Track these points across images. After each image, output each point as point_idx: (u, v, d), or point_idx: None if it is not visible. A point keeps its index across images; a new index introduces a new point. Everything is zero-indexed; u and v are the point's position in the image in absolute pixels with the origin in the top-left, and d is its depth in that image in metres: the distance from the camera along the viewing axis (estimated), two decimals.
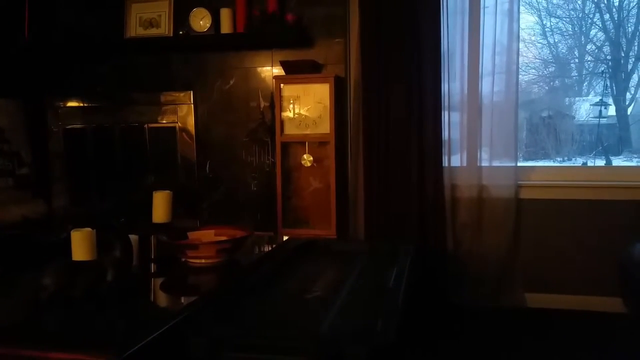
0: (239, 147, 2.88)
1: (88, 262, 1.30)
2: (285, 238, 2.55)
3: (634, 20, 3.55)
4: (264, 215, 2.73)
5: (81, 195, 2.93)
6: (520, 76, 3.45)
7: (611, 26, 3.60)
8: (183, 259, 1.71)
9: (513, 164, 2.65)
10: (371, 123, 2.62)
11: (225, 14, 2.67)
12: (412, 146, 2.63)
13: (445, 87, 2.65)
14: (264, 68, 2.85)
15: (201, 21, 2.68)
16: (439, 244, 2.58)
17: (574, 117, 3.60)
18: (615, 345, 2.16)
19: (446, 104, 2.63)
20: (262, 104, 2.83)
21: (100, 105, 2.96)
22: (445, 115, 2.64)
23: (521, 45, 3.32)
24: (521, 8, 2.95)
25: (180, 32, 2.68)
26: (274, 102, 2.66)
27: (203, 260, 1.69)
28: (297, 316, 1.38)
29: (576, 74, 3.76)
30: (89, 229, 1.32)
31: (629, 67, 3.56)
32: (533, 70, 3.72)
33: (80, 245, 1.28)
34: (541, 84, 3.75)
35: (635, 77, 3.61)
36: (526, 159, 3.55)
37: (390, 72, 2.61)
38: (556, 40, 3.76)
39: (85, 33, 2.74)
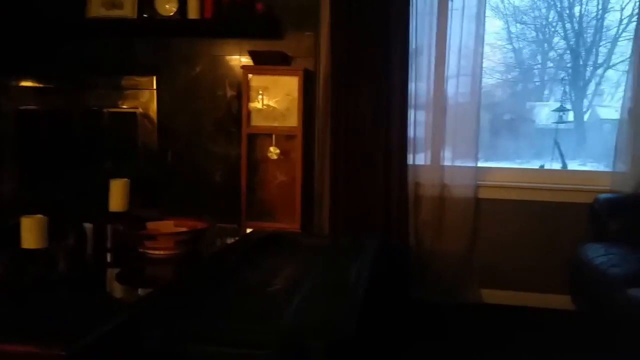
0: (204, 136, 2.83)
1: (38, 251, 1.24)
2: (248, 230, 2.54)
3: (592, 31, 3.71)
4: (227, 207, 2.69)
5: (33, 181, 2.80)
6: (484, 79, 3.51)
7: (572, 35, 3.74)
8: (141, 250, 1.66)
9: (474, 165, 2.71)
10: (339, 118, 2.62)
11: None
12: (379, 143, 2.65)
13: (412, 86, 2.67)
14: (232, 57, 2.80)
15: (167, 5, 2.60)
16: (402, 240, 2.62)
17: (534, 121, 3.72)
18: (563, 341, 2.25)
19: (413, 103, 2.65)
20: (229, 93, 2.78)
21: (57, 87, 2.83)
22: (411, 114, 2.66)
23: (487, 49, 3.37)
24: (488, 13, 3.01)
25: (145, 15, 2.59)
26: (242, 92, 2.62)
27: (161, 252, 1.64)
28: (258, 309, 1.37)
29: (538, 80, 3.88)
30: (40, 215, 1.26)
31: (587, 75, 3.71)
32: (497, 74, 3.82)
33: (31, 232, 1.23)
34: (505, 87, 3.85)
35: (592, 85, 3.78)
36: (488, 160, 3.64)
37: (359, 68, 2.61)
38: (520, 46, 3.87)
39: (43, 11, 2.61)
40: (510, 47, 3.85)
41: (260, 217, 2.64)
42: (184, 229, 1.72)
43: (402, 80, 2.57)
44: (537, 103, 3.80)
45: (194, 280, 1.56)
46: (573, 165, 3.59)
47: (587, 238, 2.43)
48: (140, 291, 1.47)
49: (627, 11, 3.25)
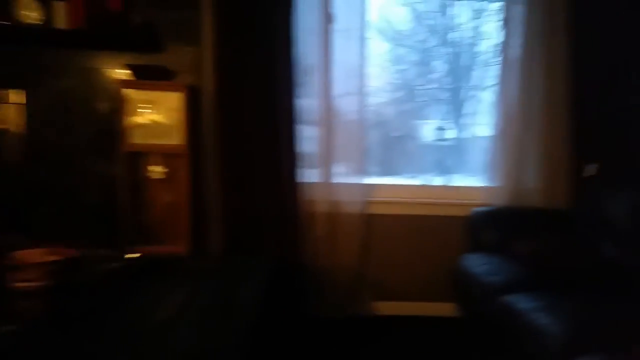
0: (78, 154, 2.67)
1: None
2: (130, 256, 2.41)
3: (468, 55, 4.13)
4: (108, 231, 2.55)
5: None
6: (375, 98, 3.73)
7: (450, 59, 4.13)
8: (5, 282, 1.54)
9: (363, 182, 2.83)
10: (227, 135, 2.61)
11: (58, 7, 2.45)
12: (270, 161, 2.66)
13: (302, 103, 2.75)
14: (111, 70, 2.70)
15: (30, 12, 2.44)
16: (297, 257, 2.65)
17: (419, 139, 4.02)
18: (450, 347, 2.41)
19: (303, 119, 2.73)
20: (107, 109, 2.67)
21: None
22: (301, 132, 2.73)
23: (376, 69, 3.58)
24: (375, 35, 3.21)
25: (4, 22, 2.40)
26: (120, 108, 2.53)
27: (29, 284, 1.53)
28: (139, 342, 1.33)
29: (421, 100, 4.22)
30: None
31: (464, 96, 4.11)
32: (386, 93, 4.10)
33: None
34: (393, 106, 4.13)
35: (469, 105, 4.19)
36: (381, 175, 3.86)
37: (246, 84, 2.62)
38: (405, 68, 4.19)
39: None
40: (396, 68, 4.16)
41: (146, 240, 2.54)
42: (55, 258, 1.61)
43: (291, 97, 2.62)
44: (422, 121, 4.14)
45: (67, 313, 1.48)
46: (456, 179, 3.93)
47: (467, 249, 2.62)
48: (2, 328, 1.35)
49: (496, 40, 3.70)
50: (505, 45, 2.76)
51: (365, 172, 2.89)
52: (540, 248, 2.21)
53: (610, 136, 2.64)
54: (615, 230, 2.24)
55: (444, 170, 3.67)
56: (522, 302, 1.77)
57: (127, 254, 2.47)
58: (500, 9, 2.73)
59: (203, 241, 2.56)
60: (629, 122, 2.67)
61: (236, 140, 2.61)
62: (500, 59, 2.77)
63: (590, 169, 2.56)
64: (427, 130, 3.96)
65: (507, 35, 2.75)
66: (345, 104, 2.86)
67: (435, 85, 4.23)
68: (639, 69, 2.64)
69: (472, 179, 3.69)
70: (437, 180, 3.68)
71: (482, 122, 3.82)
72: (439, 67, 4.20)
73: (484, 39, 4.05)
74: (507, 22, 2.71)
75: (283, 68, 2.66)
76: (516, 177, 2.71)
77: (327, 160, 2.81)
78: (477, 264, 2.25)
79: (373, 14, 3.61)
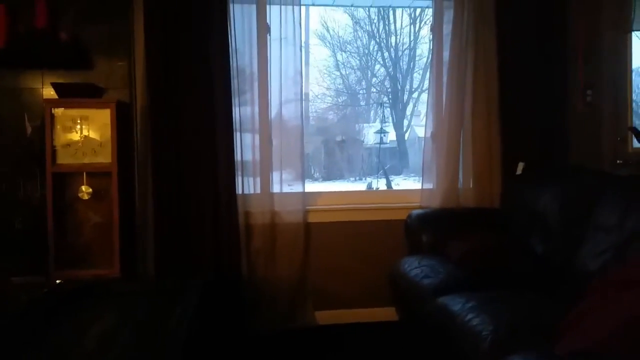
0: (3, 178, 2.45)
1: None
2: (58, 282, 2.24)
3: (407, 59, 4.06)
4: (32, 257, 2.34)
5: None
6: (317, 103, 3.58)
7: (390, 63, 4.05)
8: None
9: (301, 190, 2.73)
10: (161, 151, 2.44)
11: None
12: (205, 174, 2.53)
13: (238, 112, 2.62)
14: (34, 88, 2.48)
15: None
16: (234, 272, 2.52)
17: (362, 142, 3.93)
18: (390, 351, 2.34)
19: (239, 128, 2.60)
20: (30, 129, 2.45)
21: None
22: (238, 141, 2.60)
23: (317, 74, 3.44)
24: (316, 41, 3.09)
25: None
26: (48, 128, 2.32)
27: None
28: None
29: (364, 103, 4.13)
30: None
31: (405, 98, 4.04)
32: (329, 98, 3.97)
33: None
34: (336, 110, 4.02)
35: (410, 107, 4.12)
36: (323, 180, 3.75)
37: (179, 97, 2.48)
38: (347, 72, 4.08)
39: None
40: (337, 73, 4.05)
41: (74, 264, 2.34)
42: None
43: (229, 106, 2.52)
44: (364, 125, 4.04)
45: None
46: (398, 180, 3.86)
47: (404, 252, 2.56)
48: None
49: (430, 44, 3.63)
50: (436, 49, 2.68)
51: (305, 180, 2.81)
52: (474, 248, 2.15)
53: (536, 135, 2.61)
54: (544, 227, 2.19)
55: (385, 173, 3.61)
56: (456, 303, 1.72)
57: (55, 279, 2.29)
58: (432, 14, 2.65)
59: (135, 262, 2.39)
60: (553, 122, 2.64)
61: (170, 154, 2.45)
62: (431, 62, 2.69)
63: (520, 167, 2.51)
64: (369, 134, 3.87)
65: (438, 40, 2.66)
66: (286, 111, 2.80)
67: (376, 90, 4.15)
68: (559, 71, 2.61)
69: (413, 181, 3.63)
70: (380, 184, 3.60)
71: (422, 124, 3.77)
72: (380, 71, 4.13)
73: (421, 43, 3.99)
74: (437, 27, 2.64)
75: (220, 78, 2.54)
76: (450, 178, 2.67)
77: (266, 168, 2.70)
78: (413, 266, 2.19)
79: (312, 22, 3.48)
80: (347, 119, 3.84)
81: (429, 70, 2.80)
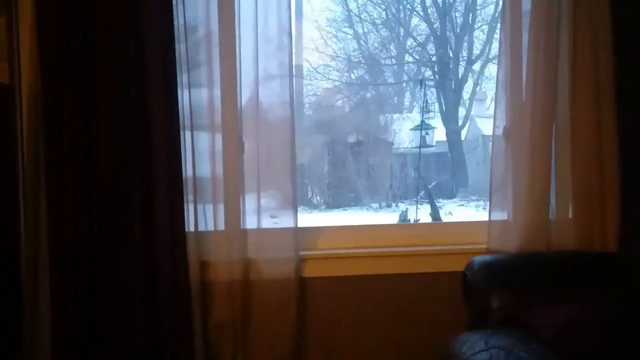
0: None
1: None
2: None
3: (463, 9, 4.02)
4: None
5: None
6: (317, 82, 3.62)
7: (436, 16, 4.03)
8: None
9: (292, 225, 2.74)
10: (60, 157, 2.46)
11: None
12: (133, 196, 2.56)
13: (186, 97, 2.65)
14: None
15: None
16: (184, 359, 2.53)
17: (392, 144, 3.92)
18: None
19: (188, 125, 2.62)
20: None
21: None
22: (187, 145, 2.63)
23: (316, 34, 3.46)
24: None
25: None
26: None
27: None
28: None
29: (393, 81, 4.10)
30: None
31: (460, 73, 4.04)
32: (336, 74, 3.94)
33: None
34: (348, 93, 4.00)
35: (469, 87, 4.07)
36: (326, 209, 3.75)
37: (93, 77, 2.50)
38: (365, 30, 4.07)
39: None
40: (350, 33, 4.04)
41: None
42: None
43: (171, 88, 2.59)
44: (395, 116, 3.99)
45: None
46: (451, 207, 3.84)
47: (463, 325, 2.53)
48: None
49: None
50: None
51: (299, 208, 2.94)
52: (578, 319, 2.17)
53: None
54: None
55: (430, 195, 3.61)
56: None
57: None
58: None
59: (21, 344, 2.41)
60: None
61: (77, 164, 2.48)
62: (502, 14, 2.73)
63: None
64: (403, 132, 3.89)
65: None
66: (265, 95, 2.87)
67: (413, 59, 4.14)
68: None
69: (475, 208, 3.61)
70: (421, 213, 3.60)
71: (488, 114, 3.76)
72: (419, 28, 4.12)
73: None
74: None
75: (155, 42, 2.56)
76: (536, 203, 2.68)
77: (234, 189, 2.74)
78: (477, 349, 2.20)
79: None
80: (367, 106, 3.86)
81: (498, 27, 2.82)
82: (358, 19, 3.94)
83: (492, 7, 3.90)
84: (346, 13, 3.94)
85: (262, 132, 2.89)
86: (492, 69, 3.67)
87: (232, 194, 2.81)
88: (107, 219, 2.59)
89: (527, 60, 2.76)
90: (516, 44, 2.80)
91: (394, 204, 3.64)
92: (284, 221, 2.82)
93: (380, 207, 3.59)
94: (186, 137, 2.68)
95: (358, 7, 3.99)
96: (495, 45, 3.38)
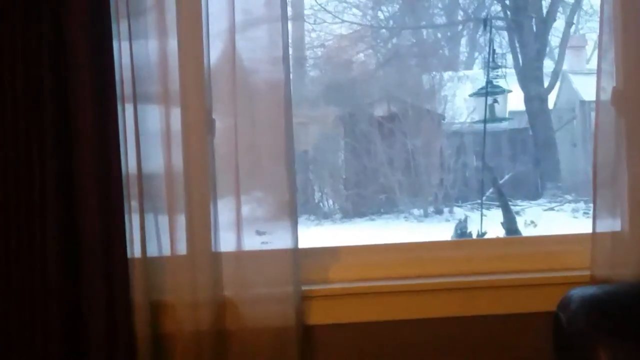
0: None
1: None
2: None
3: None
4: None
5: None
6: (325, 26, 3.59)
7: None
8: None
9: (290, 244, 2.70)
10: None
11: None
12: (47, 212, 2.54)
13: (126, 52, 2.67)
14: None
15: None
16: None
17: (442, 118, 3.88)
18: None
19: (130, 94, 2.61)
20: None
21: None
22: (129, 126, 2.62)
23: None
24: None
25: None
26: None
27: None
28: None
29: (443, 21, 4.07)
30: None
31: (545, 6, 3.96)
32: (354, 12, 3.93)
33: None
34: (371, 44, 3.98)
35: (559, 25, 4.01)
36: (349, 217, 3.69)
37: None
38: None
39: None
40: None
41: None
42: None
43: (98, 42, 2.63)
44: (446, 75, 4.03)
45: None
46: (535, 213, 3.78)
47: None
48: None
49: None
50: None
51: (303, 217, 2.86)
52: None
53: None
54: None
55: (500, 194, 3.56)
56: None
57: None
58: None
59: None
60: None
61: None
62: None
63: None
64: (459, 99, 3.96)
65: None
66: (246, 48, 2.92)
67: None
68: None
69: (571, 214, 3.56)
70: (489, 221, 3.55)
71: (588, 70, 3.71)
72: None
73: None
74: None
75: None
76: None
77: (201, 192, 2.71)
78: None
79: None
80: (402, 62, 3.82)
81: None
82: None
83: None
84: None
85: (243, 104, 2.86)
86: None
87: (197, 199, 2.79)
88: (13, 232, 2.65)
89: None
90: None
91: (446, 210, 3.58)
92: (278, 239, 2.80)
93: (426, 215, 3.54)
94: (126, 112, 2.66)
95: None
96: None
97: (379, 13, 3.74)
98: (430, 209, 3.60)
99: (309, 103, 3.38)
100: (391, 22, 3.78)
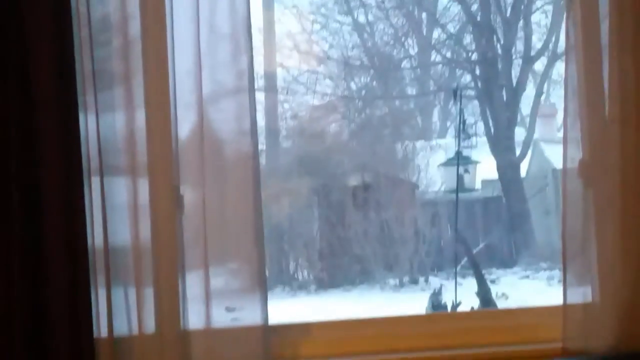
0: None
1: None
2: None
3: None
4: None
5: None
6: (298, 97, 3.56)
7: None
8: None
9: (259, 322, 2.65)
10: None
11: None
12: (12, 286, 2.48)
13: (92, 125, 2.65)
14: None
15: None
16: None
17: (416, 187, 3.85)
18: None
19: (96, 167, 2.58)
20: None
21: None
22: (95, 195, 2.56)
23: (296, 29, 3.45)
24: None
25: None
26: None
27: None
28: None
29: (415, 92, 4.06)
30: None
31: (514, 75, 3.96)
32: (327, 84, 3.89)
33: None
34: (347, 113, 3.95)
35: (529, 94, 4.00)
36: (324, 287, 3.62)
37: None
38: (370, 18, 4.03)
39: None
40: (348, 21, 4.00)
41: None
42: None
43: (64, 115, 2.59)
44: (419, 144, 3.96)
45: None
46: (509, 281, 3.75)
47: None
48: None
49: None
50: None
51: (275, 289, 2.71)
52: None
53: None
54: None
55: (474, 264, 3.53)
56: None
57: None
58: None
59: None
60: None
61: None
62: None
63: None
64: (432, 168, 3.94)
65: None
66: (215, 120, 2.87)
67: (441, 57, 4.10)
68: None
69: (546, 282, 3.54)
70: (464, 293, 3.52)
71: (558, 138, 3.72)
72: (448, 13, 4.08)
73: None
74: None
75: (45, 46, 2.67)
76: (633, 275, 2.59)
77: (169, 265, 2.72)
78: None
79: None
80: (375, 131, 3.80)
81: (563, 7, 2.75)
82: (359, 2, 3.88)
83: None
84: None
85: (211, 177, 2.82)
86: (562, 68, 3.60)
87: (165, 274, 2.73)
88: None
89: (610, 55, 2.67)
90: (591, 30, 2.72)
91: (422, 279, 3.51)
92: (248, 315, 2.75)
93: (402, 285, 3.50)
94: (92, 185, 2.64)
95: None
96: (562, 37, 3.31)
97: (352, 83, 3.70)
98: (406, 279, 3.54)
99: (282, 174, 3.34)
100: (363, 92, 3.72)
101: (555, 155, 3.78)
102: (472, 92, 3.72)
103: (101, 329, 2.66)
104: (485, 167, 3.75)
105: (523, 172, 3.87)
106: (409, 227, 3.74)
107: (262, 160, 2.93)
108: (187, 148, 2.84)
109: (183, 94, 2.85)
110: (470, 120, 3.77)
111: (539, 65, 3.83)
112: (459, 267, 3.45)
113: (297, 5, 3.56)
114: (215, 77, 2.86)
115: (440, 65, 3.75)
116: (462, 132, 3.62)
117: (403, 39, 3.94)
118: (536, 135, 3.87)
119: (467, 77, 3.80)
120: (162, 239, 2.82)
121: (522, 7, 3.87)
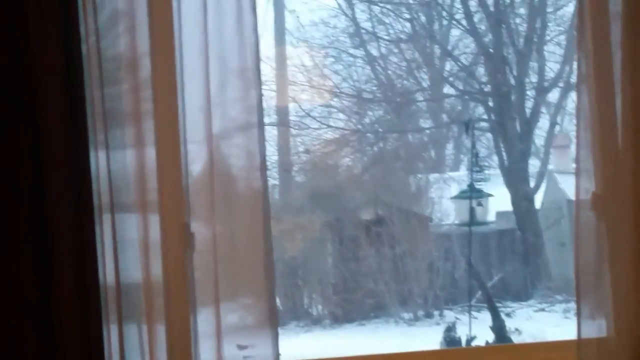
0: None
1: None
2: None
3: (526, 9, 3.95)
4: None
5: None
6: (310, 131, 3.51)
7: (485, 23, 3.96)
8: None
9: (270, 356, 2.60)
10: None
11: None
12: (24, 324, 2.45)
13: (102, 168, 2.59)
14: None
15: None
16: None
17: (429, 220, 3.81)
18: None
19: (106, 203, 2.56)
20: None
21: None
22: (106, 236, 2.58)
23: (308, 62, 3.41)
24: None
25: None
26: None
27: None
28: None
29: (428, 124, 4.03)
30: None
31: (528, 107, 3.93)
32: (340, 117, 3.86)
33: None
34: (359, 147, 3.92)
35: (543, 125, 3.96)
36: (339, 322, 3.57)
37: None
38: (383, 51, 4.00)
39: None
40: (360, 54, 3.98)
41: None
42: None
43: (74, 153, 2.51)
44: (432, 177, 3.93)
45: None
46: (525, 315, 3.69)
47: None
48: None
49: None
50: None
51: (288, 325, 2.63)
52: None
53: None
54: None
55: (488, 298, 3.47)
56: None
57: None
58: None
59: None
60: None
61: None
62: (579, 17, 2.61)
63: None
64: (445, 201, 3.93)
65: None
66: (225, 156, 2.78)
67: (454, 90, 4.07)
68: None
69: (562, 315, 3.47)
70: (479, 327, 3.46)
71: (571, 169, 3.68)
72: (462, 44, 4.06)
73: None
74: None
75: (55, 86, 2.56)
76: None
77: (180, 302, 2.63)
78: None
79: None
80: (388, 165, 3.77)
81: (575, 38, 2.70)
82: (371, 35, 3.83)
83: (571, 5, 3.78)
84: (353, 27, 3.82)
85: (222, 214, 2.78)
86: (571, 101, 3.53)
87: (176, 310, 2.66)
88: None
89: (622, 85, 2.61)
90: (603, 60, 2.66)
91: (436, 313, 3.44)
92: (259, 352, 2.65)
93: (416, 319, 3.43)
94: (103, 223, 2.58)
95: (371, 18, 3.90)
96: (575, 67, 3.26)
97: (365, 117, 3.66)
98: (420, 313, 3.48)
99: (295, 208, 3.29)
100: (376, 126, 3.68)
101: (570, 187, 3.73)
102: (485, 124, 3.65)
103: None
104: (500, 199, 3.69)
105: (538, 204, 3.79)
106: (422, 261, 3.69)
107: (275, 195, 2.89)
108: (197, 184, 2.80)
109: (194, 130, 2.80)
110: (483, 152, 3.71)
111: (553, 96, 3.74)
112: (473, 301, 3.37)
113: (309, 39, 3.51)
114: (225, 113, 2.82)
115: (453, 98, 3.66)
116: (475, 164, 3.56)
117: (415, 71, 3.88)
118: (550, 166, 3.81)
119: (481, 109, 3.73)
120: (173, 275, 2.78)
121: (535, 38, 3.79)
